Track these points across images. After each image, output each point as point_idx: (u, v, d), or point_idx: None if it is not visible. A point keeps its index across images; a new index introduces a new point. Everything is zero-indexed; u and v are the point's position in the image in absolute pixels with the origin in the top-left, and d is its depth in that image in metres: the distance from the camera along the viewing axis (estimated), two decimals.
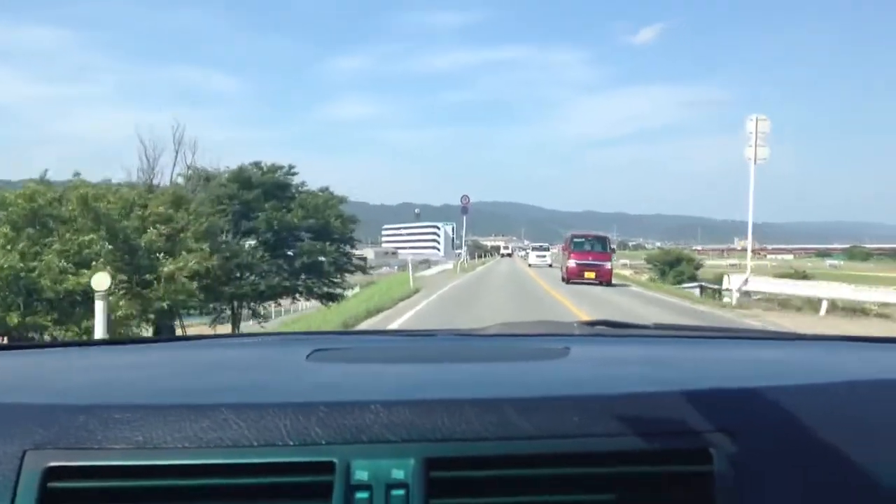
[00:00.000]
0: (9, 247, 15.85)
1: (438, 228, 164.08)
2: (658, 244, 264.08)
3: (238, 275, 26.36)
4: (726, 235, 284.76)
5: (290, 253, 27.98)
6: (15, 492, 0.72)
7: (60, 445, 0.75)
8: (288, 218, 27.22)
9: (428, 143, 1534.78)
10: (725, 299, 20.63)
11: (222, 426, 0.76)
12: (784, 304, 18.14)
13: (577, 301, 16.22)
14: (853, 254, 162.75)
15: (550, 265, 42.47)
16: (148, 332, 18.47)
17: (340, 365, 1.09)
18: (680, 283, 44.36)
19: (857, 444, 0.80)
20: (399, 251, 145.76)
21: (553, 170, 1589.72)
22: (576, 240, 26.09)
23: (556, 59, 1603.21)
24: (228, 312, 26.64)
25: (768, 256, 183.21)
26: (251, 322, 27.17)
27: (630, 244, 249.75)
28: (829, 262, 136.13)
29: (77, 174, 20.98)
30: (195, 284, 19.09)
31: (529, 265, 43.24)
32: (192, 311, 25.16)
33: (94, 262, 16.23)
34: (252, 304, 27.35)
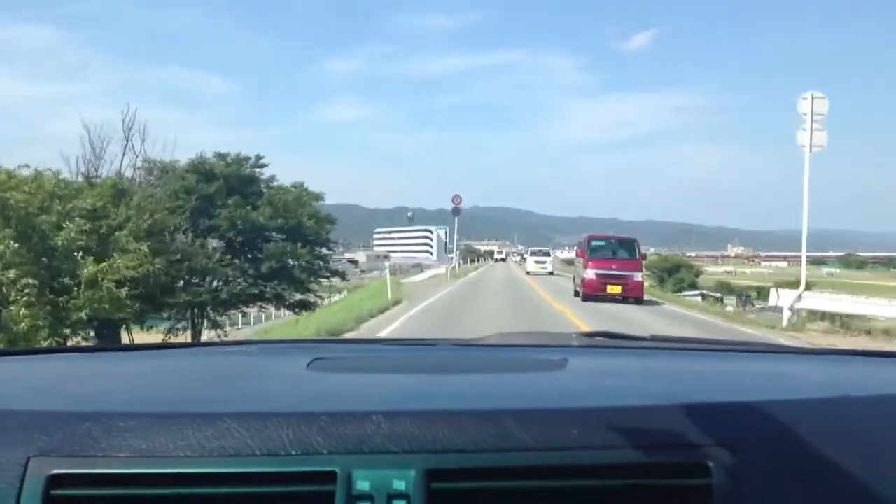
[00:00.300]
0: None
1: (431, 232, 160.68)
2: (652, 250, 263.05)
3: (194, 280, 22.76)
4: (718, 242, 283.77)
5: (256, 256, 24.34)
6: (18, 499, 0.72)
7: (64, 453, 0.75)
8: (254, 216, 23.56)
9: (421, 146, 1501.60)
10: (767, 315, 17.13)
11: (225, 435, 0.75)
12: (846, 325, 14.55)
13: (598, 325, 12.56)
14: (848, 262, 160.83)
15: (551, 273, 37.85)
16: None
17: (341, 374, 1.09)
18: (680, 290, 42.34)
19: (856, 459, 0.80)
20: (391, 255, 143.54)
21: (546, 175, 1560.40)
22: (595, 243, 19.76)
23: (549, 63, 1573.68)
24: (186, 323, 23.03)
25: (762, 264, 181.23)
26: (211, 333, 23.55)
27: None
28: (825, 270, 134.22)
29: None
30: (125, 291, 15.48)
31: (528, 273, 38.02)
32: (146, 322, 21.68)
33: None
34: (213, 313, 23.70)
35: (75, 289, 15.24)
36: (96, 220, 17.31)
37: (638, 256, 19.47)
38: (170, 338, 21.35)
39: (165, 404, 0.86)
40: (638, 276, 18.51)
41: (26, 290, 14.10)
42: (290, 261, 24.08)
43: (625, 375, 1.11)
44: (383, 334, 10.94)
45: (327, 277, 26.74)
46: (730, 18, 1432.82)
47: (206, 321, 23.34)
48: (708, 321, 15.76)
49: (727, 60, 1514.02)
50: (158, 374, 1.16)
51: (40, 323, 14.13)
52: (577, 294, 19.69)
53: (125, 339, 19.03)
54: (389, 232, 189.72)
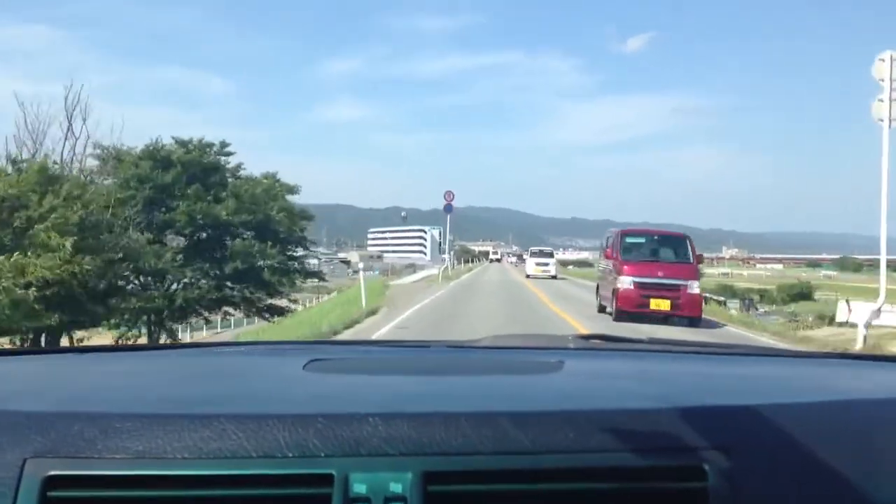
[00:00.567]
0: None
1: (425, 232, 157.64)
2: None
3: (147, 283, 19.60)
4: (713, 244, 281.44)
5: (221, 255, 21.17)
6: (15, 500, 0.72)
7: (60, 454, 0.74)
8: (216, 210, 20.37)
9: (416, 146, 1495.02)
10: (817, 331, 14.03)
11: (222, 436, 0.75)
12: None
13: None
14: (844, 265, 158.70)
15: (554, 277, 32.98)
16: None
17: (338, 376, 1.08)
18: None
19: (852, 463, 0.80)
20: (385, 255, 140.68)
21: (541, 175, 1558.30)
22: (630, 240, 13.97)
23: (546, 65, 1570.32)
24: (138, 332, 19.84)
25: (758, 266, 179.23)
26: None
27: None
28: (822, 272, 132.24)
29: None
30: (32, 293, 12.36)
31: (527, 276, 32.92)
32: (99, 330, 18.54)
33: None
34: (170, 321, 20.55)
35: None
36: (15, 210, 14.22)
37: (692, 259, 13.60)
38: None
39: (162, 405, 0.84)
40: (694, 287, 12.85)
41: None
42: (262, 261, 20.94)
43: (621, 378, 1.10)
44: None
45: (303, 279, 23.59)
46: (726, 23, 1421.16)
47: (161, 329, 20.17)
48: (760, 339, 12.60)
49: (723, 63, 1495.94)
50: (155, 374, 1.15)
51: None
52: (602, 310, 14.32)
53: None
54: (383, 232, 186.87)
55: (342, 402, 0.88)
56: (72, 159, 19.98)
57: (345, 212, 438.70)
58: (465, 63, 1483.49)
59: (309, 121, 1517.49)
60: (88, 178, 19.16)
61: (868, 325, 11.59)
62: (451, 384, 1.04)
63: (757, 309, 46.11)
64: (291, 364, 1.13)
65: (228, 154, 22.56)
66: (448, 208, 33.34)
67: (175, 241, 21.93)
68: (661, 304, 12.58)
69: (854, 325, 12.78)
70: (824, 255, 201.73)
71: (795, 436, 0.81)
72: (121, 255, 17.60)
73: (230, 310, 23.29)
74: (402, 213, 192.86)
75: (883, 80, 11.72)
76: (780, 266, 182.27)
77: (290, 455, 0.74)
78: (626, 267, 13.01)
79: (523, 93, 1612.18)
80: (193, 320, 21.93)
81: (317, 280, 26.44)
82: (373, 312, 13.83)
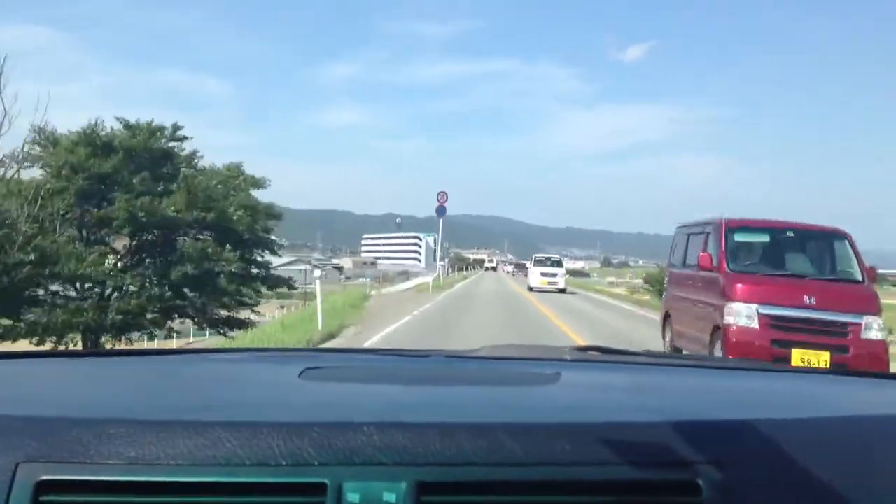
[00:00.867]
0: None
1: (420, 239, 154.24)
2: (640, 262, 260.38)
3: (77, 290, 16.21)
4: None
5: (170, 259, 17.73)
6: None
7: (53, 459, 0.73)
8: (161, 207, 16.93)
9: (413, 152, 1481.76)
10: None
11: (215, 444, 0.74)
12: None
13: None
14: None
15: (563, 290, 27.51)
16: None
17: (333, 384, 1.07)
18: None
19: (846, 479, 0.79)
20: (379, 261, 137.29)
21: (537, 184, 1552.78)
22: (745, 237, 7.80)
23: (542, 73, 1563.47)
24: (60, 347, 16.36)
25: None
26: None
27: (614, 261, 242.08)
28: None
29: None
30: None
31: (530, 288, 27.42)
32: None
33: None
34: (105, 335, 17.06)
35: None
36: None
37: (862, 274, 7.40)
38: None
39: (156, 411, 0.83)
40: (874, 329, 6.83)
41: None
42: (222, 265, 17.48)
43: (618, 390, 1.10)
44: None
45: (267, 287, 20.11)
46: (725, 33, 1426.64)
47: (89, 345, 16.70)
48: None
49: (722, 73, 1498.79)
50: (149, 380, 1.14)
51: None
52: (678, 351, 7.92)
53: None
54: (377, 238, 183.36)
55: (337, 410, 0.86)
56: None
57: (341, 217, 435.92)
58: (463, 69, 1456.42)
59: (306, 125, 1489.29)
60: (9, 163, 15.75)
61: None
62: (446, 394, 1.03)
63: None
64: (286, 372, 1.12)
65: (182, 139, 19.12)
66: (441, 210, 30.06)
67: (121, 242, 18.58)
68: (815, 356, 6.57)
69: None
70: None
71: (791, 452, 0.80)
72: (32, 257, 14.26)
73: (179, 323, 19.78)
74: (398, 220, 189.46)
75: None
76: None
77: (284, 463, 0.73)
78: (741, 286, 6.95)
79: (521, 99, 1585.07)
80: (136, 335, 18.39)
81: (286, 288, 22.92)
82: (332, 335, 10.42)
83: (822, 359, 6.60)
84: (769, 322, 6.76)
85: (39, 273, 14.50)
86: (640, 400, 1.01)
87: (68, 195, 16.63)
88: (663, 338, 9.28)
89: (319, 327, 10.49)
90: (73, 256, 14.80)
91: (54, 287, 16.58)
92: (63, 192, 16.59)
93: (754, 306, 6.81)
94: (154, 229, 17.64)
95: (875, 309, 7.02)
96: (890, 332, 7.83)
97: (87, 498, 0.72)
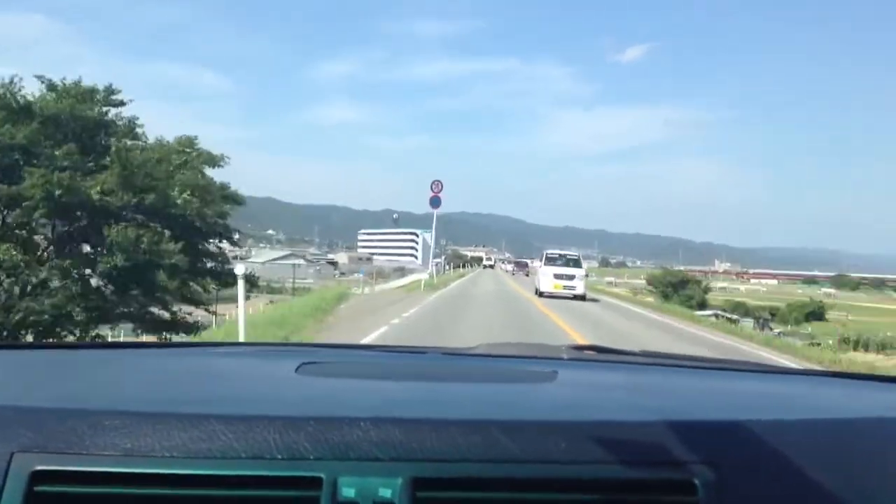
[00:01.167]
0: None
1: (417, 235, 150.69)
2: (639, 263, 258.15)
3: None
4: (705, 258, 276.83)
5: (98, 249, 14.42)
6: (1, 494, 0.71)
7: (49, 449, 0.73)
8: (84, 187, 13.60)
9: (411, 150, 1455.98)
10: None
11: (211, 437, 0.74)
12: None
13: None
14: (841, 282, 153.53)
15: (583, 297, 21.13)
16: None
17: (329, 379, 1.07)
18: (688, 308, 33.89)
19: (841, 481, 0.79)
20: (375, 257, 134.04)
21: (535, 183, 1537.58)
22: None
23: (541, 73, 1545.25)
24: None
25: (751, 281, 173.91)
26: None
27: (612, 261, 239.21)
28: (822, 290, 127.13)
29: None
30: None
31: (539, 293, 21.28)
32: None
33: None
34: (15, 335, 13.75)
35: None
36: None
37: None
38: None
39: (152, 403, 0.83)
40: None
41: None
42: (157, 257, 14.16)
43: (614, 389, 1.10)
44: None
45: (222, 283, 16.76)
46: (722, 36, 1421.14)
47: None
48: None
49: (721, 76, 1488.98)
50: (145, 372, 1.13)
51: None
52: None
53: None
54: (374, 234, 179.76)
55: (333, 405, 0.86)
56: None
57: (339, 213, 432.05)
58: (463, 68, 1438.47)
59: (305, 121, 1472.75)
60: None
61: None
62: (443, 391, 1.03)
63: (771, 329, 40.66)
64: (283, 366, 1.11)
65: (119, 104, 15.74)
66: (435, 201, 26.94)
67: (47, 229, 15.30)
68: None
69: None
70: (816, 272, 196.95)
71: (787, 453, 0.80)
72: None
73: (110, 328, 16.44)
74: (394, 215, 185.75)
75: None
76: (774, 282, 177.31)
77: (280, 457, 0.73)
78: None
79: (521, 99, 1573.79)
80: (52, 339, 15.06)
81: (248, 286, 19.56)
82: None
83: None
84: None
85: None
86: (637, 399, 1.00)
87: None
88: None
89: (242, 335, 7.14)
90: None
91: None
92: None
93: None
94: (78, 212, 14.34)
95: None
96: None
97: (81, 489, 0.72)
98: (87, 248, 14.90)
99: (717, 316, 32.83)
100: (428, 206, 28.59)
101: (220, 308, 18.95)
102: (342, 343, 5.76)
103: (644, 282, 72.04)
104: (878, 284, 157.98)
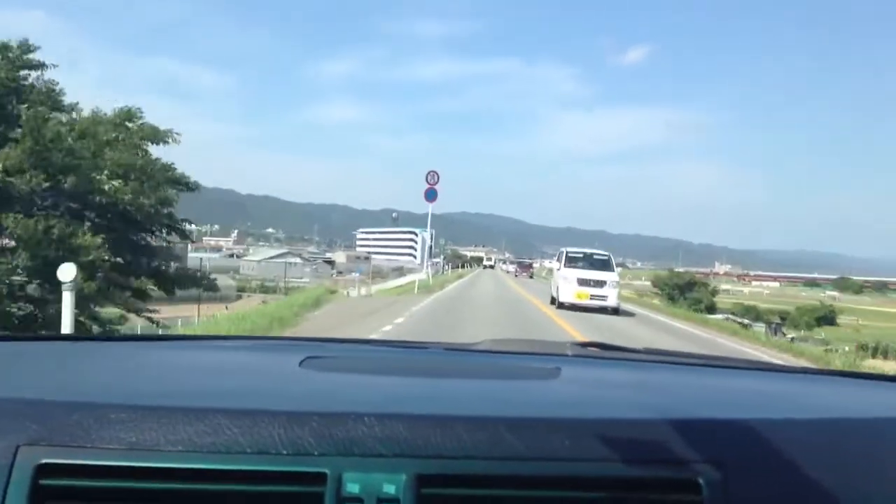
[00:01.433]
0: None
1: (416, 234, 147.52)
2: (639, 264, 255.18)
3: None
4: (705, 259, 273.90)
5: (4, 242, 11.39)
6: (7, 487, 0.70)
7: (54, 442, 0.73)
8: None
9: (412, 150, 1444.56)
10: None
11: (216, 431, 0.74)
12: None
13: None
14: (844, 286, 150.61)
15: (616, 310, 16.27)
16: None
17: (333, 374, 1.05)
18: (697, 312, 31.71)
19: (845, 480, 0.79)
20: (374, 256, 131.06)
21: (535, 184, 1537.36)
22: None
23: (542, 74, 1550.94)
24: None
25: (753, 283, 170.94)
26: None
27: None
28: (826, 293, 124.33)
29: None
30: None
31: (558, 304, 16.46)
32: None
33: None
34: None
35: None
36: None
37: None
38: None
39: (157, 397, 0.82)
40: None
41: None
42: (74, 253, 11.12)
43: (618, 387, 1.09)
44: None
45: (167, 286, 13.70)
46: (723, 38, 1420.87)
47: None
48: None
49: (721, 79, 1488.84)
50: (150, 365, 1.12)
51: None
52: None
53: None
54: (372, 233, 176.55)
55: (338, 400, 0.86)
56: None
57: (339, 212, 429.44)
58: (463, 68, 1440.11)
59: (305, 120, 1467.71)
60: None
61: None
62: (447, 387, 1.03)
63: (784, 334, 37.93)
64: (288, 361, 1.10)
65: (37, 67, 12.66)
66: (431, 193, 24.02)
67: None
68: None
69: None
70: (817, 275, 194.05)
71: (792, 452, 0.79)
72: None
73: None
74: (394, 214, 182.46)
75: None
76: (775, 284, 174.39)
77: (284, 452, 0.73)
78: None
79: (520, 100, 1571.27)
80: None
81: (198, 288, 16.43)
82: None
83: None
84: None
85: None
86: (641, 397, 1.00)
87: None
88: None
89: None
90: None
91: None
92: None
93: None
94: None
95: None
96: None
97: (87, 482, 0.71)
98: None
99: (727, 320, 30.46)
100: (427, 205, 25.86)
101: (176, 311, 15.92)
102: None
103: (647, 283, 69.32)
104: (881, 287, 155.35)
